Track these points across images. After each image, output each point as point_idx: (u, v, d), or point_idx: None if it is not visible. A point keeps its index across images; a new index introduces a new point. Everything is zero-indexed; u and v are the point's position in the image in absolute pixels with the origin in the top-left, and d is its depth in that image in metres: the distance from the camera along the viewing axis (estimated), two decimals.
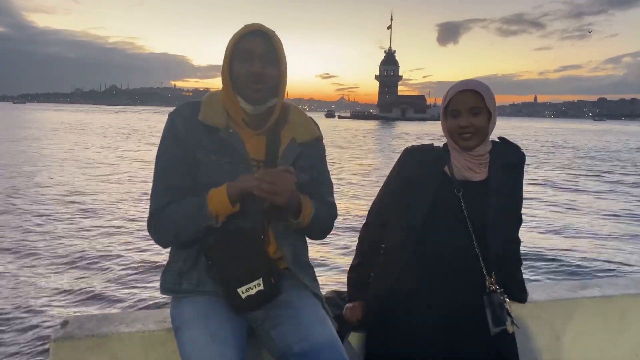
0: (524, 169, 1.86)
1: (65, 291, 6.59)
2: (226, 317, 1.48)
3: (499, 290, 1.70)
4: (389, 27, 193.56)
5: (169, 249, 1.65)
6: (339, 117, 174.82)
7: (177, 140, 1.54)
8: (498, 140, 1.86)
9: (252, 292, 1.47)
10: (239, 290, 1.47)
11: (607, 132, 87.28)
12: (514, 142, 1.86)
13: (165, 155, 1.56)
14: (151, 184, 1.58)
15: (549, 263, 8.61)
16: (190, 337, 1.41)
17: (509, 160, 1.82)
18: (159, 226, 1.53)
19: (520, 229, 1.95)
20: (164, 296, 1.65)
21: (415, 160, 1.81)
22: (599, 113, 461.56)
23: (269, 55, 1.53)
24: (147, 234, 1.56)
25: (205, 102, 1.59)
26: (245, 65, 1.52)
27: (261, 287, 1.48)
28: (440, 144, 1.87)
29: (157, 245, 1.60)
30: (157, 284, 1.68)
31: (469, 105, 1.70)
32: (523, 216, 1.94)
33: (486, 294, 1.69)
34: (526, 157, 1.87)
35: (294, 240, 1.67)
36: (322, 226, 1.71)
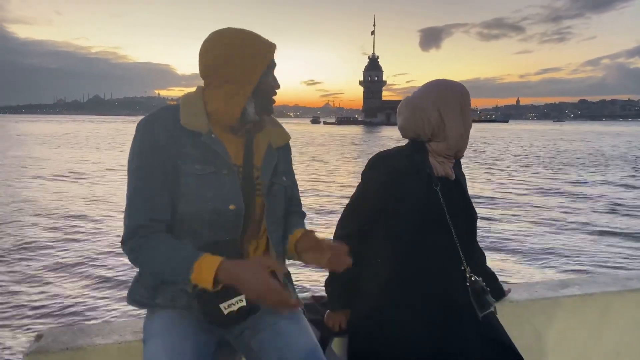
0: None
1: (39, 303, 6.46)
2: (192, 331, 1.44)
3: (480, 279, 1.75)
4: (372, 33, 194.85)
5: None
6: (325, 123, 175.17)
7: (156, 149, 1.45)
8: None
9: (235, 307, 1.41)
10: (222, 305, 1.40)
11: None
12: None
13: (145, 168, 1.45)
14: (126, 198, 1.46)
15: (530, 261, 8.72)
16: (152, 352, 1.37)
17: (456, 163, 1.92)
18: (140, 252, 1.41)
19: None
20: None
21: (392, 166, 1.79)
22: (580, 114, 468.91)
23: None
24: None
25: (183, 104, 1.52)
26: (274, 77, 1.57)
27: (243, 303, 1.42)
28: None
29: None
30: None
31: None
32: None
33: (469, 282, 1.73)
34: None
35: (284, 247, 1.67)
36: None
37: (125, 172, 1.50)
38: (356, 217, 1.86)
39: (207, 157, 1.47)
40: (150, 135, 1.46)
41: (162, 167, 1.45)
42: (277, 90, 1.60)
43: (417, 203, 1.75)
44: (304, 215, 1.77)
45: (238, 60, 1.49)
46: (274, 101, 1.60)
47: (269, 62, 1.54)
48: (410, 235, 1.75)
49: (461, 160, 1.95)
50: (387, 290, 1.75)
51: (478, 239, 1.97)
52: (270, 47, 1.55)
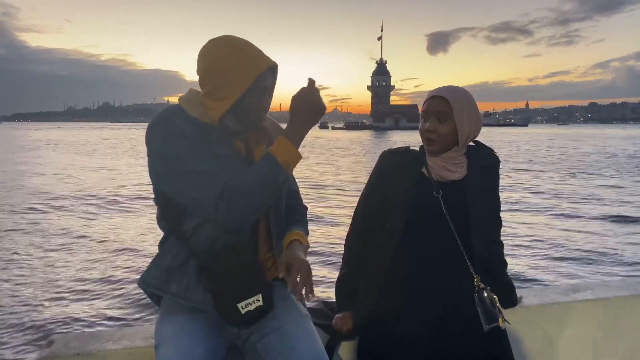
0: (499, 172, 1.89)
1: (51, 307, 6.50)
2: (203, 335, 1.45)
3: (487, 288, 1.70)
4: (380, 38, 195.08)
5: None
6: (333, 128, 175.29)
7: (188, 137, 1.43)
8: (473, 144, 1.88)
9: (252, 307, 1.44)
10: (239, 305, 1.43)
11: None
12: (488, 146, 1.90)
13: (187, 152, 1.42)
14: (182, 186, 1.42)
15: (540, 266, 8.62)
16: (165, 357, 1.38)
17: (485, 162, 1.85)
18: (234, 200, 1.38)
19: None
20: (147, 303, 1.56)
21: (393, 163, 1.84)
22: (591, 117, 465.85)
23: (272, 87, 1.59)
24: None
25: (185, 104, 1.52)
26: (259, 99, 1.52)
27: (260, 303, 1.45)
28: (416, 148, 1.89)
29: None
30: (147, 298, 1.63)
31: (435, 109, 1.75)
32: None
33: (476, 292, 1.69)
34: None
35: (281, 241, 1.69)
36: None
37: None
38: (361, 214, 1.91)
39: (225, 145, 1.51)
40: (174, 127, 1.45)
41: (198, 147, 1.44)
42: (266, 110, 1.56)
43: (405, 200, 1.75)
44: (305, 209, 1.79)
45: (221, 78, 1.47)
46: (261, 119, 1.57)
47: (250, 84, 1.47)
48: (404, 233, 1.74)
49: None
50: (385, 290, 1.75)
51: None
52: (257, 69, 1.47)
